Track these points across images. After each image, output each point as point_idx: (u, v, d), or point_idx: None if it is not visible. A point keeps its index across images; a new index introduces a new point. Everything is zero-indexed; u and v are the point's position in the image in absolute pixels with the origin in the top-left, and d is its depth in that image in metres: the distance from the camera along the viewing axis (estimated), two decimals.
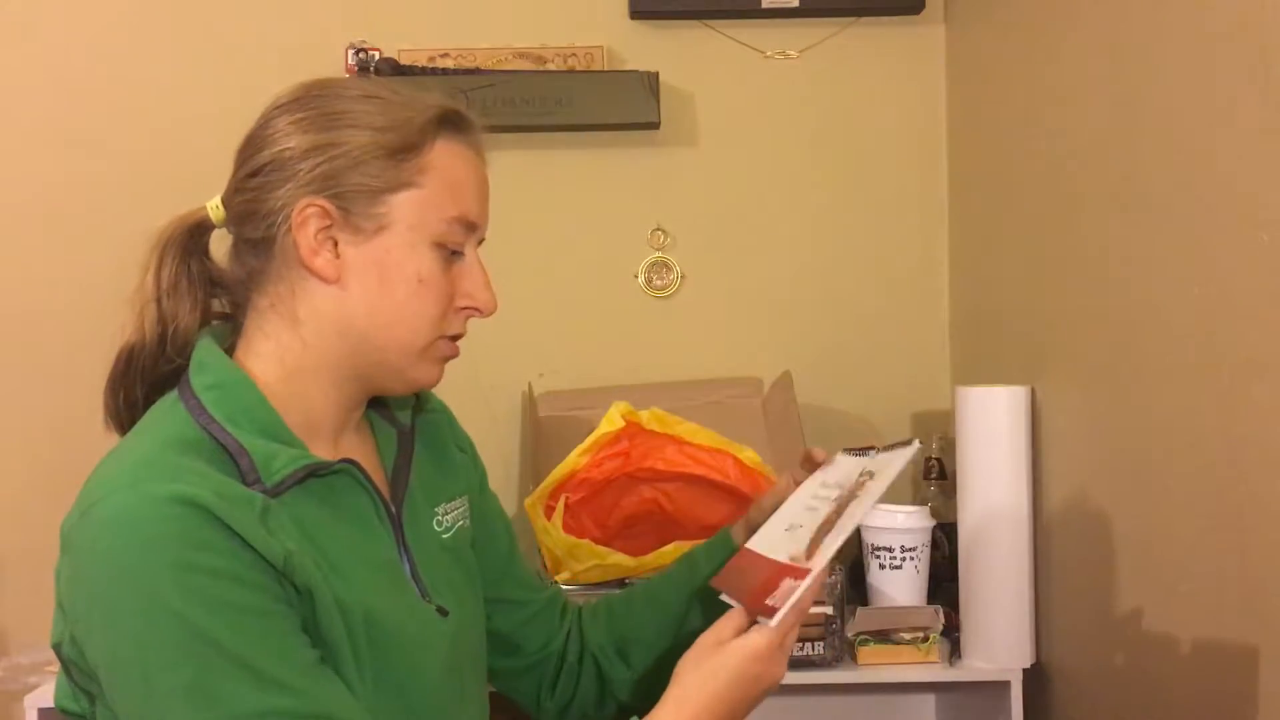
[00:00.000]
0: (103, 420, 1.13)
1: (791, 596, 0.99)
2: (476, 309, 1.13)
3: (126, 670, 0.95)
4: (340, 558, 1.05)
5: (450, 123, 1.11)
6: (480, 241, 1.15)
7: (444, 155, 1.09)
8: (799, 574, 1.02)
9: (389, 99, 1.10)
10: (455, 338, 1.13)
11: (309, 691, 0.97)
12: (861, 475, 1.15)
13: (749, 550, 1.09)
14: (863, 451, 1.21)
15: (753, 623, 1.04)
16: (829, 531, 1.07)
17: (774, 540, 1.09)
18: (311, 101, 1.09)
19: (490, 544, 1.31)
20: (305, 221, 1.06)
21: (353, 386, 1.11)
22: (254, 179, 1.09)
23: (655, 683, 1.24)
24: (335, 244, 1.07)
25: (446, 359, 1.14)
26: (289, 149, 1.07)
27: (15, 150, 2.15)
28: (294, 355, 1.09)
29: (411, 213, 1.07)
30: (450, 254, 1.10)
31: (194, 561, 0.94)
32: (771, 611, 1.00)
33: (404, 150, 1.07)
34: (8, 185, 2.15)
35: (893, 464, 1.16)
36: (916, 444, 1.18)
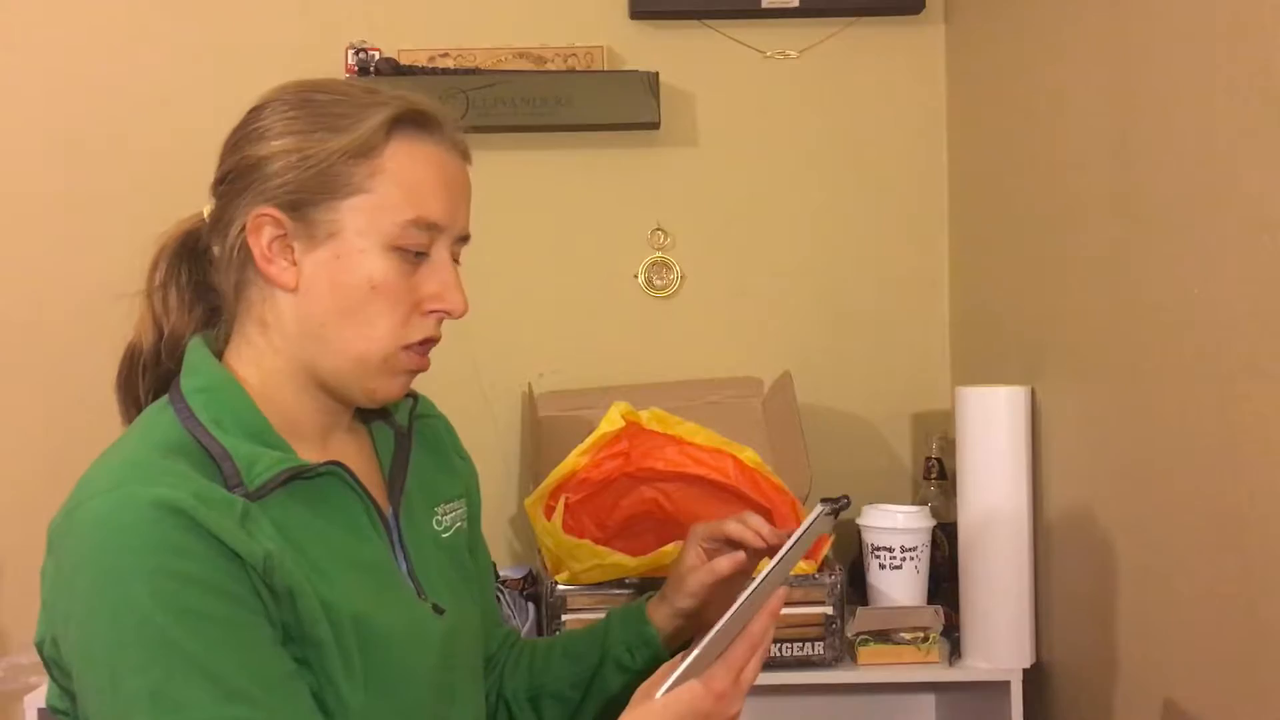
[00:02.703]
0: (118, 419, 1.14)
1: (680, 668, 1.00)
2: (445, 310, 1.10)
3: (96, 670, 0.96)
4: (324, 559, 1.05)
5: (409, 121, 1.08)
6: (463, 241, 1.13)
7: (399, 157, 1.07)
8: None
9: (354, 98, 1.08)
10: (425, 344, 1.11)
11: (270, 704, 0.97)
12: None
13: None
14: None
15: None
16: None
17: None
18: (280, 106, 1.09)
19: (476, 562, 1.31)
20: (258, 229, 1.06)
21: (322, 395, 1.11)
22: (220, 186, 1.10)
23: None
24: (292, 251, 1.07)
25: (411, 372, 1.12)
26: (248, 156, 1.07)
27: (15, 151, 2.15)
28: (267, 360, 1.09)
29: (360, 218, 1.06)
30: (414, 256, 1.08)
31: (170, 567, 0.94)
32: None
33: (355, 154, 1.05)
34: (7, 186, 2.15)
35: (803, 523, 1.15)
36: (820, 506, 1.17)
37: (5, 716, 1.95)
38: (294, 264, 1.07)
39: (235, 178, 1.08)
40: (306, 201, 1.06)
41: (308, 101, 1.08)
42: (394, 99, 1.09)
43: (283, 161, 1.06)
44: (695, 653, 1.01)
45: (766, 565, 1.11)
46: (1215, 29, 1.29)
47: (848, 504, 1.22)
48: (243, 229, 1.07)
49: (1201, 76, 1.32)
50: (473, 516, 1.30)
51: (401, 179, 1.07)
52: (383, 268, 1.06)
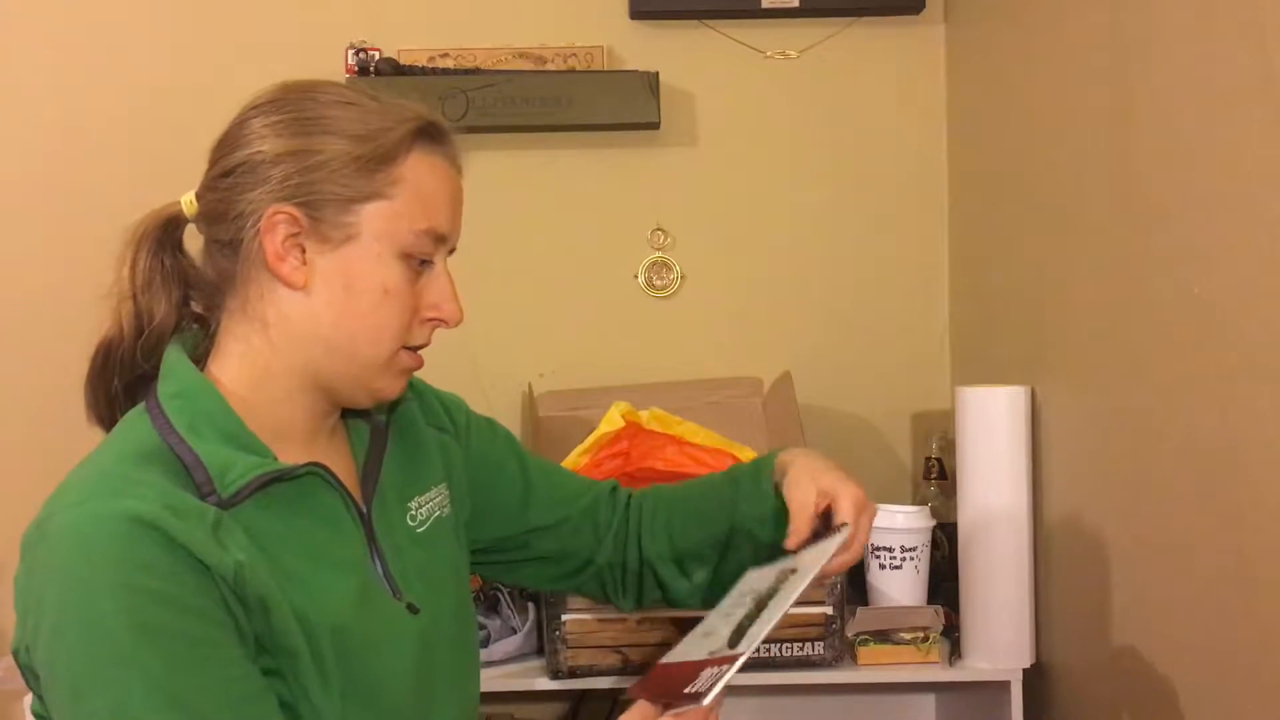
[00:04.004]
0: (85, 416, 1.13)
1: (721, 680, 1.00)
2: (442, 320, 1.12)
3: (59, 684, 0.96)
4: (302, 565, 1.04)
5: (427, 135, 1.10)
6: (451, 251, 1.15)
7: (417, 168, 1.09)
8: (722, 662, 1.03)
9: (367, 106, 1.09)
10: (418, 348, 1.13)
11: None
12: (783, 571, 1.16)
13: (662, 664, 1.09)
14: (771, 559, 1.22)
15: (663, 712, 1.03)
16: (755, 622, 1.07)
17: (689, 648, 1.10)
18: (288, 105, 1.09)
19: (500, 486, 1.34)
20: (273, 228, 1.06)
21: (318, 396, 1.11)
22: (225, 179, 1.09)
23: (716, 591, 1.29)
24: (303, 250, 1.07)
25: (409, 371, 1.14)
26: (261, 152, 1.07)
27: (15, 149, 2.15)
28: (263, 359, 1.09)
29: (380, 223, 1.07)
30: (418, 264, 1.10)
31: (136, 583, 0.94)
32: (697, 697, 1.00)
33: (377, 161, 1.07)
34: (7, 185, 2.15)
35: (826, 550, 1.16)
36: (847, 529, 1.18)
37: (5, 716, 1.95)
38: (304, 263, 1.07)
39: (244, 172, 1.07)
40: (324, 202, 1.06)
41: (318, 103, 1.09)
42: (409, 109, 1.11)
43: (301, 161, 1.06)
44: (726, 677, 1.01)
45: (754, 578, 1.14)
46: (1215, 29, 1.29)
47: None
48: (255, 225, 1.06)
49: (1201, 76, 1.32)
50: (473, 441, 1.32)
51: (419, 189, 1.09)
52: (395, 273, 1.08)
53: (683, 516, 1.36)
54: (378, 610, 1.10)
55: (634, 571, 1.37)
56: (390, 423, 1.21)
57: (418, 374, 1.18)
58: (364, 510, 1.14)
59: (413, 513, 1.20)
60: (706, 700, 0.99)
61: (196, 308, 1.14)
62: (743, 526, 1.30)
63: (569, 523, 1.36)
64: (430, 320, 1.12)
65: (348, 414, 1.19)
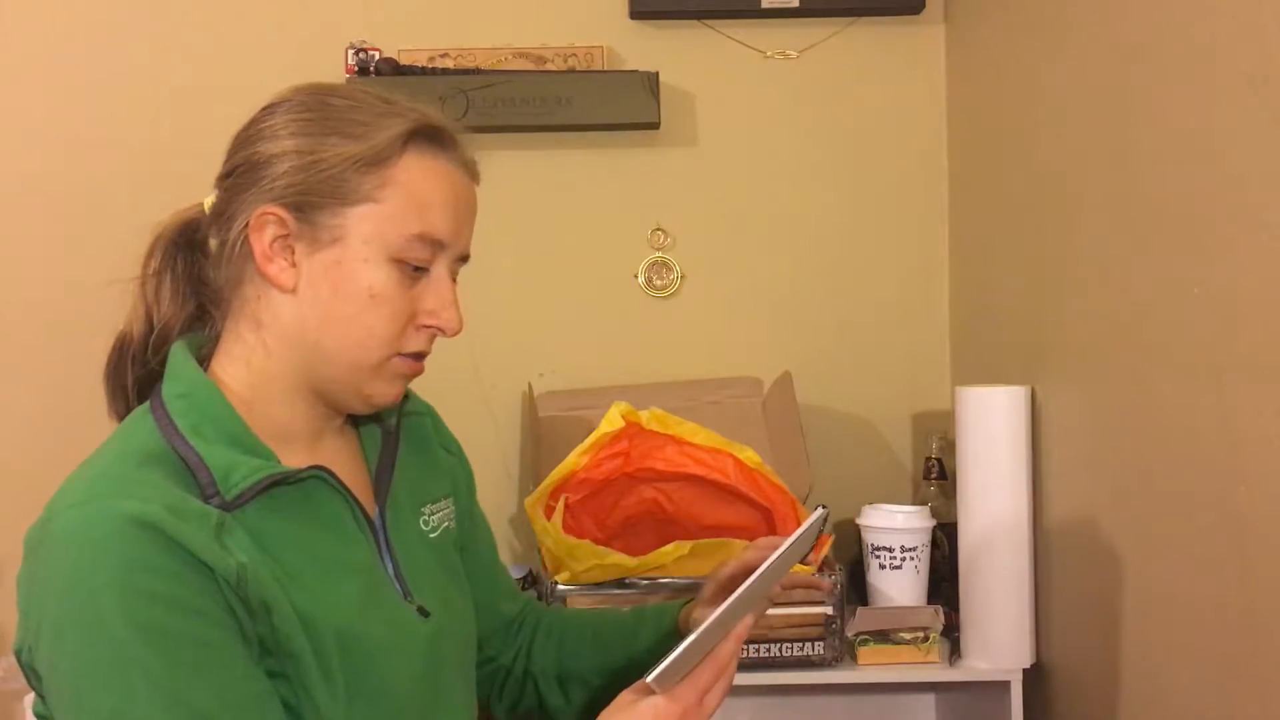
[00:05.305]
0: (106, 410, 1.14)
1: (669, 657, 0.99)
2: (439, 328, 1.11)
3: (62, 685, 0.96)
4: (306, 568, 1.04)
5: (424, 137, 1.08)
6: (463, 260, 1.13)
7: (411, 170, 1.07)
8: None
9: (371, 108, 1.08)
10: (418, 356, 1.11)
11: None
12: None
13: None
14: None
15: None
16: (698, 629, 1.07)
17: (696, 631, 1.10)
18: (294, 107, 1.08)
19: (474, 549, 1.33)
20: (261, 228, 1.06)
21: (314, 399, 1.10)
22: (227, 180, 1.09)
23: (590, 717, 1.26)
24: (293, 252, 1.06)
25: (407, 377, 1.12)
26: (259, 152, 1.07)
27: (16, 150, 2.15)
28: (258, 360, 1.08)
29: (367, 227, 1.05)
30: (413, 270, 1.08)
31: (138, 584, 0.93)
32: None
33: (367, 163, 1.05)
34: (8, 186, 2.15)
35: (797, 530, 1.18)
36: (820, 510, 1.22)
37: (5, 716, 1.96)
38: (294, 265, 1.06)
39: (243, 173, 1.07)
40: (313, 204, 1.05)
41: (324, 105, 1.08)
42: (411, 112, 1.09)
43: (292, 162, 1.05)
44: (687, 642, 1.00)
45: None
46: (1215, 29, 1.29)
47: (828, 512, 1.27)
48: (245, 225, 1.06)
49: (1201, 76, 1.32)
50: (465, 502, 1.31)
51: (411, 192, 1.07)
52: (383, 278, 1.06)
53: (576, 637, 1.36)
54: (386, 613, 1.09)
55: (516, 680, 1.37)
56: (400, 427, 1.21)
57: (420, 384, 1.17)
58: (374, 512, 1.14)
59: (425, 518, 1.20)
60: (649, 676, 0.99)
61: (209, 308, 1.14)
62: (638, 661, 1.28)
63: (501, 619, 1.37)
64: (426, 327, 1.10)
65: (359, 418, 1.19)
